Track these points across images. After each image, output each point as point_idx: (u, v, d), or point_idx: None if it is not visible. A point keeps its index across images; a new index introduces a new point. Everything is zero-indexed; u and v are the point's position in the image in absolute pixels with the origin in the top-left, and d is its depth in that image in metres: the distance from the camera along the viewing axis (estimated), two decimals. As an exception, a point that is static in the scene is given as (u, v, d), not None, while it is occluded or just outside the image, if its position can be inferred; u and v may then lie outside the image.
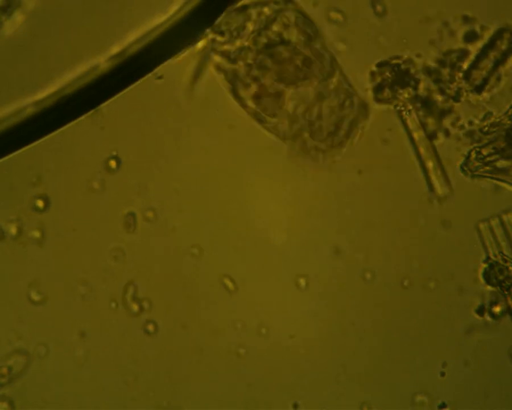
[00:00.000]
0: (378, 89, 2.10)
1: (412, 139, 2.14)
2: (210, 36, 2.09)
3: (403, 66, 2.10)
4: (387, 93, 2.04)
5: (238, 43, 2.06)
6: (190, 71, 2.11)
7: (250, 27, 2.06)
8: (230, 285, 2.15)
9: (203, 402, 2.17)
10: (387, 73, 2.05)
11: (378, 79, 2.10)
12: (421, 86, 2.12)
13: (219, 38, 2.08)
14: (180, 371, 2.17)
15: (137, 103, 2.12)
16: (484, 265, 2.14)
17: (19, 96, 2.07)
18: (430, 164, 2.14)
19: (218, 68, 2.09)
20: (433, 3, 2.15)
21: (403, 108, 2.10)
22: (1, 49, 2.10)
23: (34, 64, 2.10)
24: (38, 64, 2.10)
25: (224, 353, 2.16)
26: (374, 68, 2.12)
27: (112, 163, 2.14)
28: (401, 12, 2.14)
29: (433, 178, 2.15)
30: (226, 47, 2.07)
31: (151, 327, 2.16)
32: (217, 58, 2.08)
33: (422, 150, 2.14)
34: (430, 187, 2.16)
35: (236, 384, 2.17)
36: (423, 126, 2.12)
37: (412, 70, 2.10)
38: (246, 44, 2.04)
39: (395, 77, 2.08)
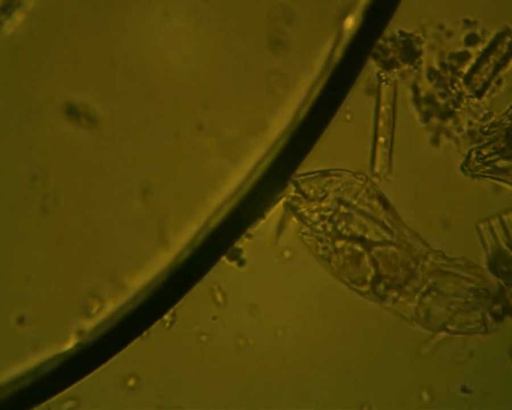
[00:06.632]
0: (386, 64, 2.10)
1: (377, 108, 2.14)
2: (292, 193, 2.12)
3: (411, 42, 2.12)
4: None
5: (315, 206, 2.09)
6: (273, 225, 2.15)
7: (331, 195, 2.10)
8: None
9: (203, 402, 2.18)
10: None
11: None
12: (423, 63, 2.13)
13: (297, 201, 2.11)
14: (180, 371, 2.17)
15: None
16: (482, 226, 2.15)
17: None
18: (381, 140, 2.14)
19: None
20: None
21: (382, 75, 2.11)
22: (1, 49, 2.10)
23: (35, 64, 2.10)
24: (38, 64, 2.10)
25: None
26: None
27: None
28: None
29: (378, 154, 2.15)
30: (303, 210, 2.10)
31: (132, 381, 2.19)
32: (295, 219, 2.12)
33: (381, 123, 2.14)
34: (372, 161, 2.15)
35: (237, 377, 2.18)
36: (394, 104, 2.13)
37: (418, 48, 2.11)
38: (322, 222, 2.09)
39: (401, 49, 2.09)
